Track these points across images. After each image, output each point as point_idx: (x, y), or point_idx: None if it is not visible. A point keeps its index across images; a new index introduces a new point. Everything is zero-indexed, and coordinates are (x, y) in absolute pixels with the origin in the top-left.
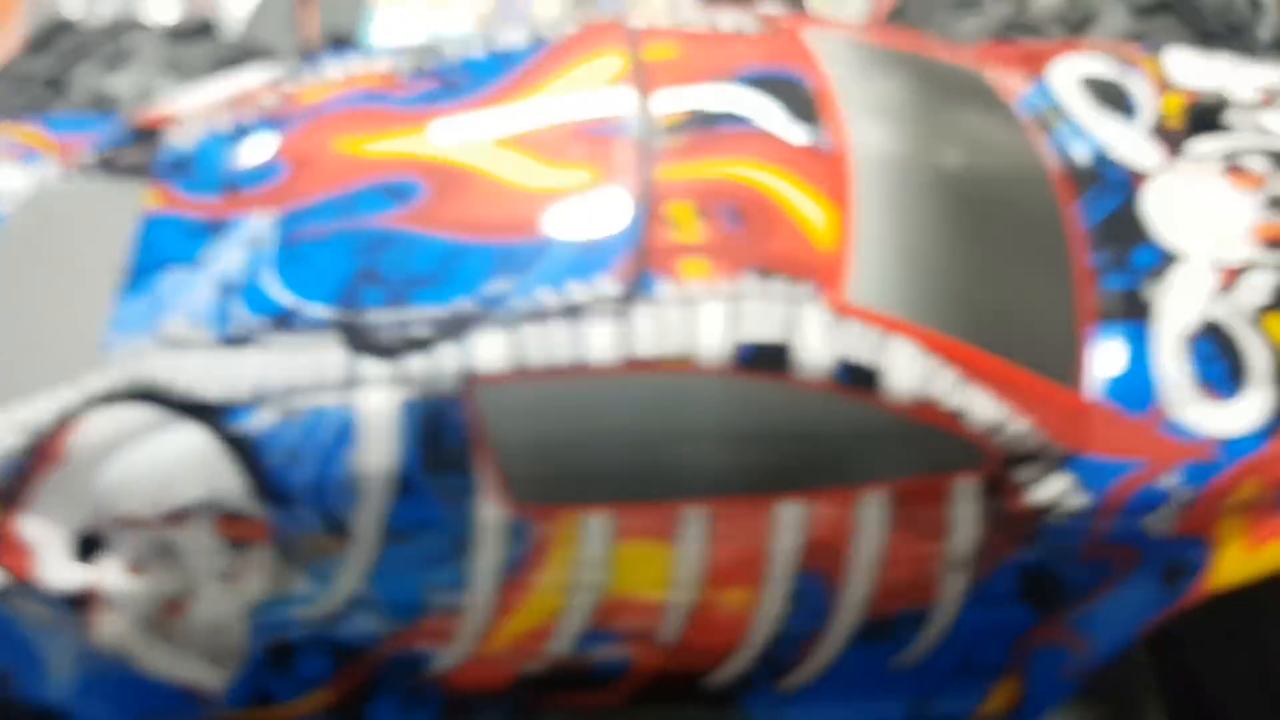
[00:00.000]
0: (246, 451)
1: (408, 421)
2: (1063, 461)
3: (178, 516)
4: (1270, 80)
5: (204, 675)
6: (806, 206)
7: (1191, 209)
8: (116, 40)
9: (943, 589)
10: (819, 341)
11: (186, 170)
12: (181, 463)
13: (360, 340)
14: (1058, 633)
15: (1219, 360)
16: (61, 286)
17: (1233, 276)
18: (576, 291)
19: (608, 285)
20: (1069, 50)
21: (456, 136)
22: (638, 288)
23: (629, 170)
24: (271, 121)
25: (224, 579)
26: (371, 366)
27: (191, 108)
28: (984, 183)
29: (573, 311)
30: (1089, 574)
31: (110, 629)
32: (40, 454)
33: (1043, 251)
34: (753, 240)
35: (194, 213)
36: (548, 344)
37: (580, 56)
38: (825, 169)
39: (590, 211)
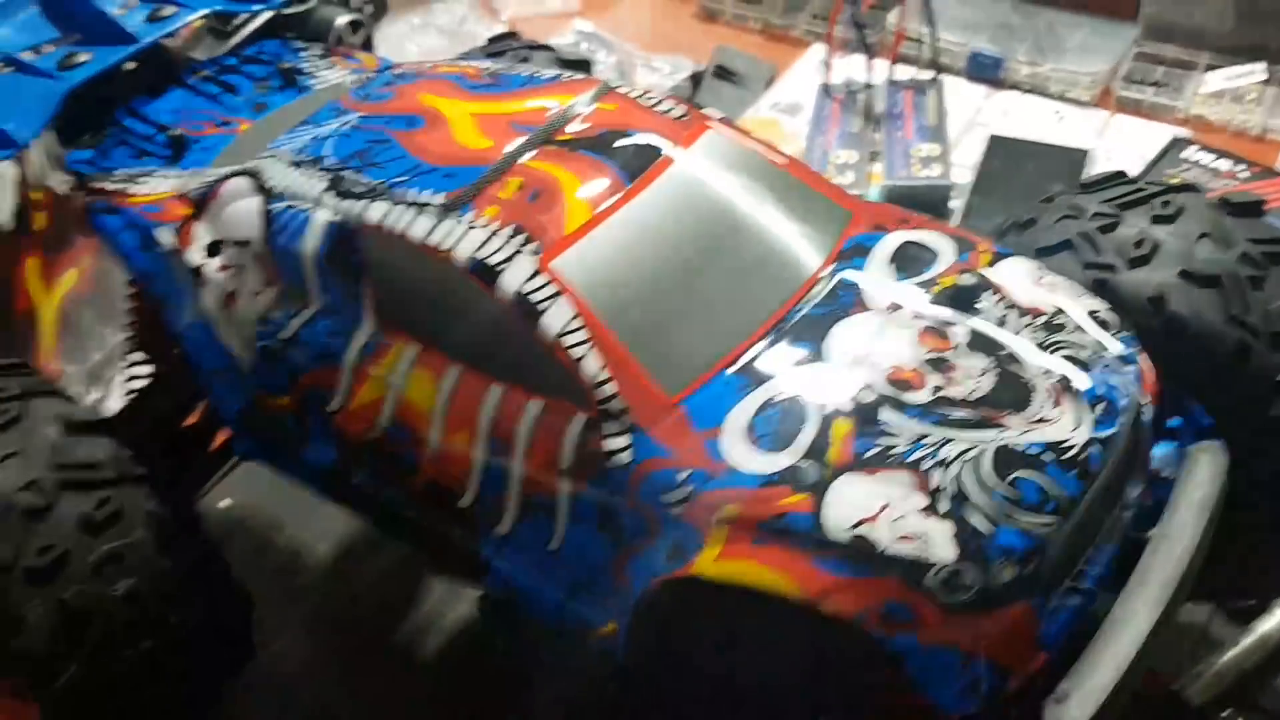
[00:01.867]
0: (269, 218)
1: (327, 232)
2: (630, 429)
3: (242, 244)
4: (1073, 305)
5: (243, 353)
6: (578, 210)
7: (868, 338)
8: None
9: (558, 490)
10: (514, 278)
11: (363, 86)
12: (249, 215)
13: (333, 184)
14: (623, 574)
15: (778, 424)
16: (286, 123)
17: (845, 386)
18: (424, 197)
19: (439, 199)
20: (932, 225)
21: (462, 103)
22: (455, 209)
23: (509, 150)
24: (416, 74)
25: (253, 294)
26: (329, 198)
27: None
28: (741, 262)
29: (417, 206)
30: (635, 524)
31: (206, 298)
32: (213, 191)
33: (737, 322)
34: (531, 211)
35: (344, 105)
36: (395, 217)
37: (564, 91)
38: (610, 195)
39: (469, 161)
